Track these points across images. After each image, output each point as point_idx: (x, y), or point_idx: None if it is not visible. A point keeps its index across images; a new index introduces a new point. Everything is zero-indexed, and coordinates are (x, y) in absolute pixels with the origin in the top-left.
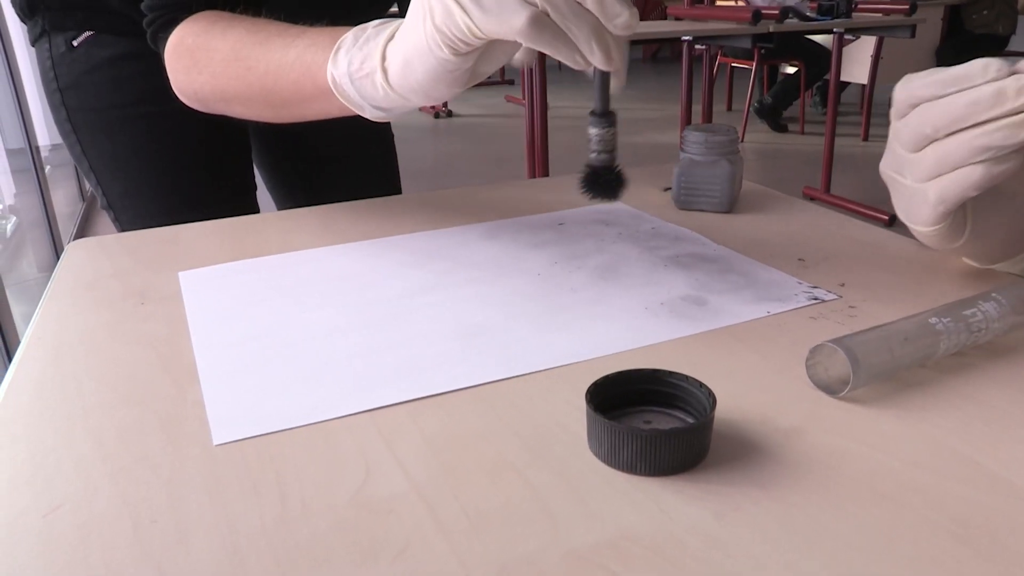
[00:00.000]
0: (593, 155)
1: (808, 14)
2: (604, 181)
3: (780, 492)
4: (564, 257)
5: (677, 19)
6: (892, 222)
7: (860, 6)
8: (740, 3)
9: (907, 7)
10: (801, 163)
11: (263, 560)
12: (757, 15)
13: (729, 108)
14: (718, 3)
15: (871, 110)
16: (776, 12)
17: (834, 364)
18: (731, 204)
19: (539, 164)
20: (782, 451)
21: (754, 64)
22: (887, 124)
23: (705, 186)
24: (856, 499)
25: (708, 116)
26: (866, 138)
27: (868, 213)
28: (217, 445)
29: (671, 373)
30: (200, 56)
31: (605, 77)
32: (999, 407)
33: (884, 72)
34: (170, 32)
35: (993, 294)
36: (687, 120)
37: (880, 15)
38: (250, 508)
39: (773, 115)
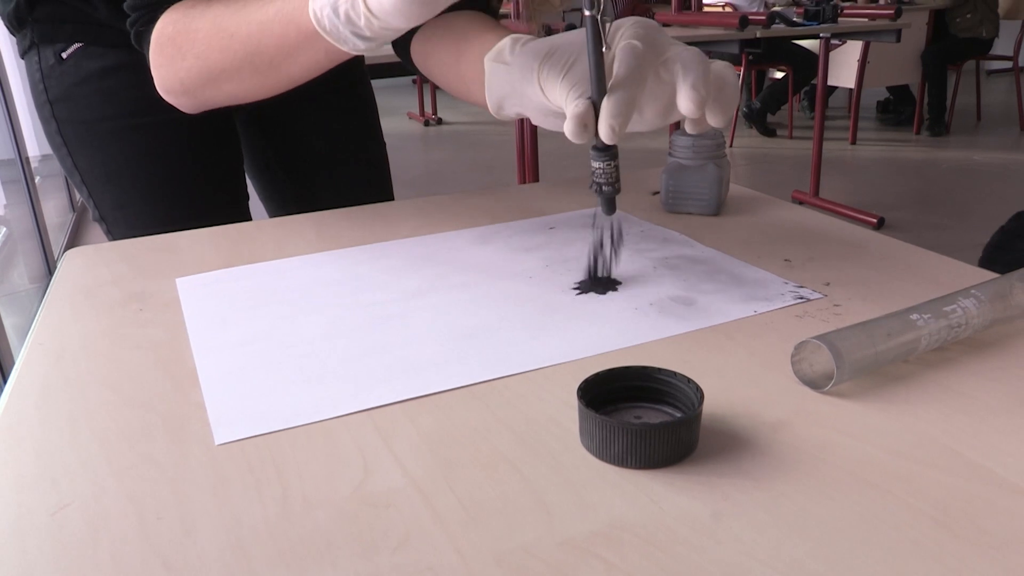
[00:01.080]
0: (594, 187)
1: (795, 19)
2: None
3: (768, 482)
4: (555, 260)
5: (665, 25)
6: (880, 224)
7: (846, 11)
8: (727, 8)
9: (892, 12)
10: (790, 167)
11: (267, 553)
12: (744, 20)
13: None
14: (705, 9)
15: (859, 114)
16: (763, 17)
17: (819, 360)
18: (718, 207)
19: (529, 170)
20: (769, 443)
21: (742, 69)
22: (874, 128)
23: (693, 189)
24: (841, 487)
25: None
26: (854, 141)
27: (857, 216)
28: (219, 445)
29: (660, 370)
30: (182, 41)
31: (599, 60)
32: (979, 399)
33: (871, 76)
34: (151, 28)
35: (973, 291)
36: (675, 125)
37: (866, 20)
38: (253, 504)
39: (761, 120)
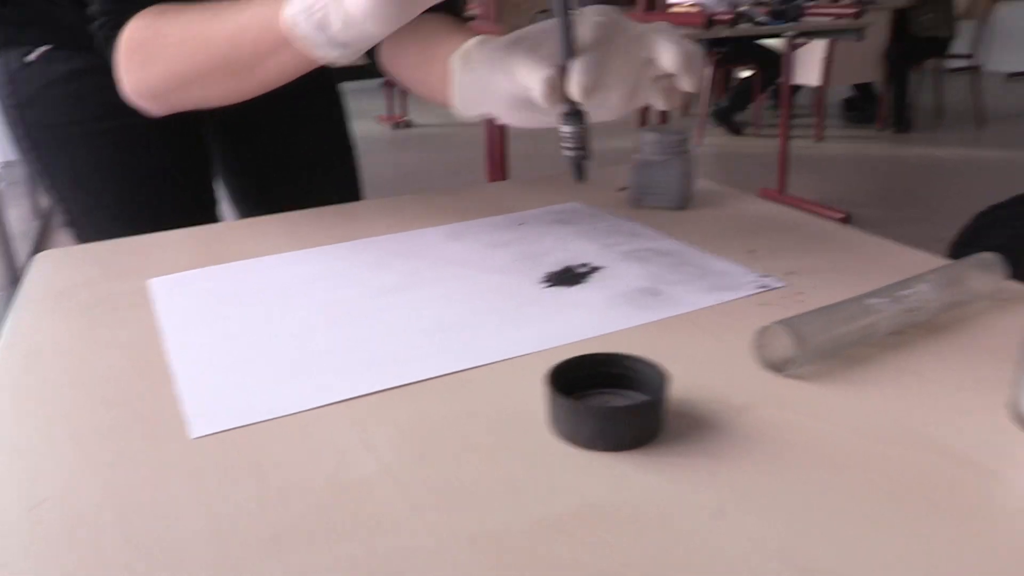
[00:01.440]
0: (567, 152)
1: (760, 19)
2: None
3: (732, 461)
4: (525, 255)
5: None
6: (846, 220)
7: (810, 10)
8: (694, 8)
9: (854, 11)
10: (758, 165)
11: (246, 541)
12: (710, 20)
13: (686, 112)
14: (673, 9)
15: (825, 111)
16: (729, 17)
17: (780, 344)
18: (684, 201)
19: (498, 171)
20: (734, 425)
21: (710, 69)
22: (840, 125)
23: (659, 184)
24: (802, 465)
25: (664, 120)
26: (820, 139)
27: (823, 212)
28: (195, 439)
29: (626, 356)
30: (153, 46)
31: (567, 24)
32: (935, 378)
33: (836, 74)
34: (119, 33)
35: (929, 276)
36: (643, 125)
37: (829, 19)
38: (229, 495)
39: (729, 119)
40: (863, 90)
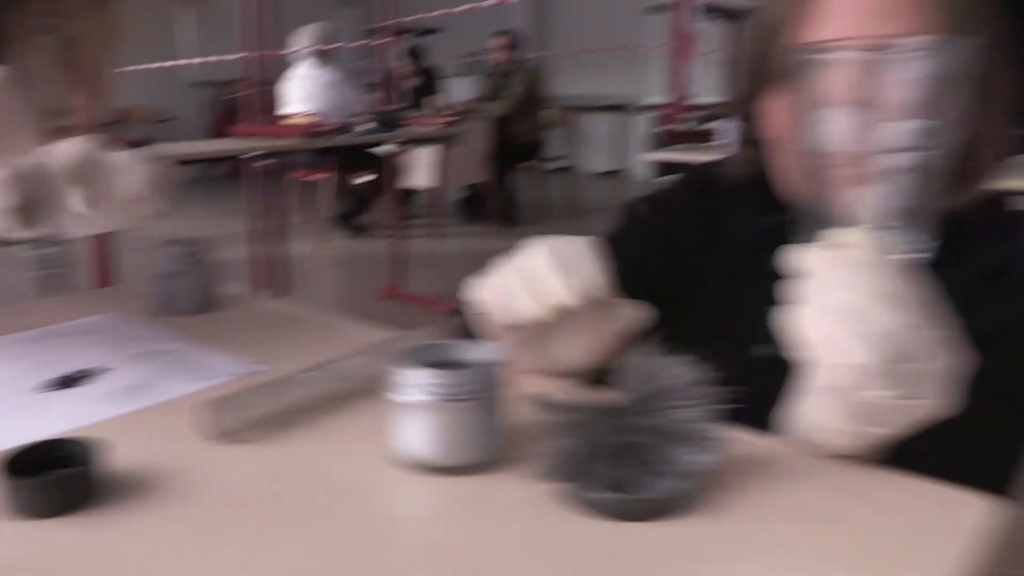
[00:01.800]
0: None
1: (366, 127)
2: None
3: (163, 513)
4: (41, 364)
5: (248, 136)
6: (454, 312)
7: (412, 120)
8: (307, 119)
9: (450, 120)
10: (382, 265)
11: None
12: (308, 131)
13: (306, 219)
14: (285, 120)
15: (442, 211)
16: (335, 127)
17: (224, 415)
18: (202, 306)
19: (104, 277)
20: (173, 487)
21: (327, 175)
22: (458, 223)
23: (177, 292)
24: (219, 509)
25: (277, 231)
26: (439, 237)
27: (440, 306)
28: None
29: (60, 440)
30: None
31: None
32: (350, 431)
33: (450, 177)
34: None
35: (366, 349)
36: (256, 234)
37: (433, 127)
38: None
39: (351, 222)
40: (477, 190)
